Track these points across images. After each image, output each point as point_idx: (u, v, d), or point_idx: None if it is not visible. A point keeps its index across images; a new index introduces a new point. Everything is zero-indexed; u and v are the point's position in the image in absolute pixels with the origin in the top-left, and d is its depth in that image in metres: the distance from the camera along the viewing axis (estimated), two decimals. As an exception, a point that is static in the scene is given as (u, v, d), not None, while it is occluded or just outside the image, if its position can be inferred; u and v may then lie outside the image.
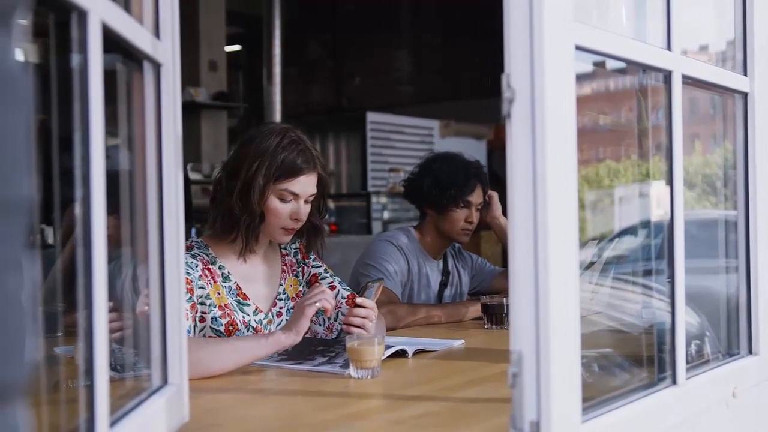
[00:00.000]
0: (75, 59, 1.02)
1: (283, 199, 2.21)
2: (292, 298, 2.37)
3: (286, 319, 2.31)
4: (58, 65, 1.04)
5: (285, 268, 2.40)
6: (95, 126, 1.02)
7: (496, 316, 2.68)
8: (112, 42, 1.11)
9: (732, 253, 1.95)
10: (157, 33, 1.37)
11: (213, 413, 1.63)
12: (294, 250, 2.44)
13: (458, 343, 2.37)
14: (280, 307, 2.34)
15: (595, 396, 1.36)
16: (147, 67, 1.35)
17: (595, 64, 1.52)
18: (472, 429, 1.48)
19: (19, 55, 0.63)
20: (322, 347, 2.16)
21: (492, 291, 3.12)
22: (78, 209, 1.01)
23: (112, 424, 1.09)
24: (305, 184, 2.23)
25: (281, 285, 2.37)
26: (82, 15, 1.00)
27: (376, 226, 7.38)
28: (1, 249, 0.57)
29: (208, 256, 2.24)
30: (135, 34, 1.22)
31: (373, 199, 7.54)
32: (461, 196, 3.01)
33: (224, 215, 2.22)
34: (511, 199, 1.20)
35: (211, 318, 2.17)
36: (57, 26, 1.03)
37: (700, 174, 2.10)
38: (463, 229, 3.04)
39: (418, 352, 2.20)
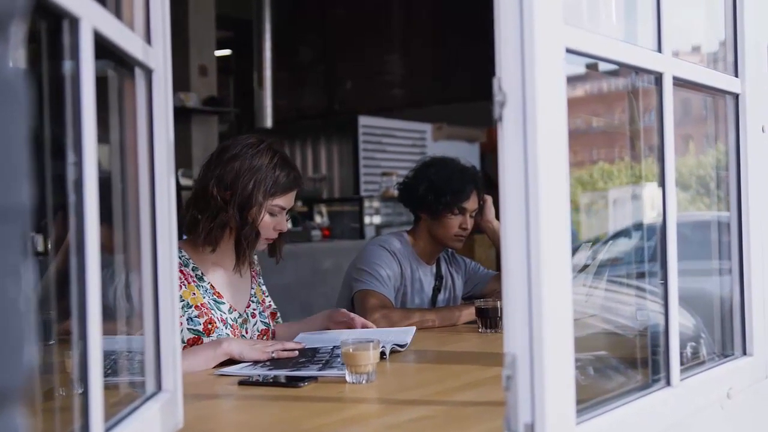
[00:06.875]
0: (66, 65, 1.02)
1: (272, 214, 2.33)
2: (261, 302, 2.49)
3: (261, 321, 2.45)
4: (48, 71, 1.03)
5: (254, 274, 2.52)
6: (87, 132, 1.02)
7: (491, 319, 2.68)
8: (103, 48, 1.11)
9: (725, 255, 1.95)
10: (148, 39, 1.36)
11: (207, 420, 1.62)
12: (256, 261, 2.57)
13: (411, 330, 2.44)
14: (253, 309, 2.45)
15: (589, 398, 1.36)
16: (138, 73, 1.35)
17: (588, 66, 1.52)
18: (468, 432, 1.48)
19: (17, 62, 0.64)
20: (306, 358, 2.12)
21: (485, 295, 3.11)
22: (71, 216, 1.01)
23: (107, 430, 1.09)
24: (292, 199, 2.38)
25: (252, 289, 2.48)
26: (74, 22, 1.00)
27: (369, 231, 7.36)
28: (1, 255, 0.57)
29: (180, 258, 2.28)
30: (126, 41, 1.22)
31: (366, 203, 7.51)
32: (456, 203, 2.99)
33: (219, 227, 2.28)
34: (504, 202, 1.20)
35: (187, 319, 2.23)
36: (48, 32, 1.03)
37: (694, 176, 2.11)
38: (456, 235, 3.03)
39: (395, 351, 2.23)
